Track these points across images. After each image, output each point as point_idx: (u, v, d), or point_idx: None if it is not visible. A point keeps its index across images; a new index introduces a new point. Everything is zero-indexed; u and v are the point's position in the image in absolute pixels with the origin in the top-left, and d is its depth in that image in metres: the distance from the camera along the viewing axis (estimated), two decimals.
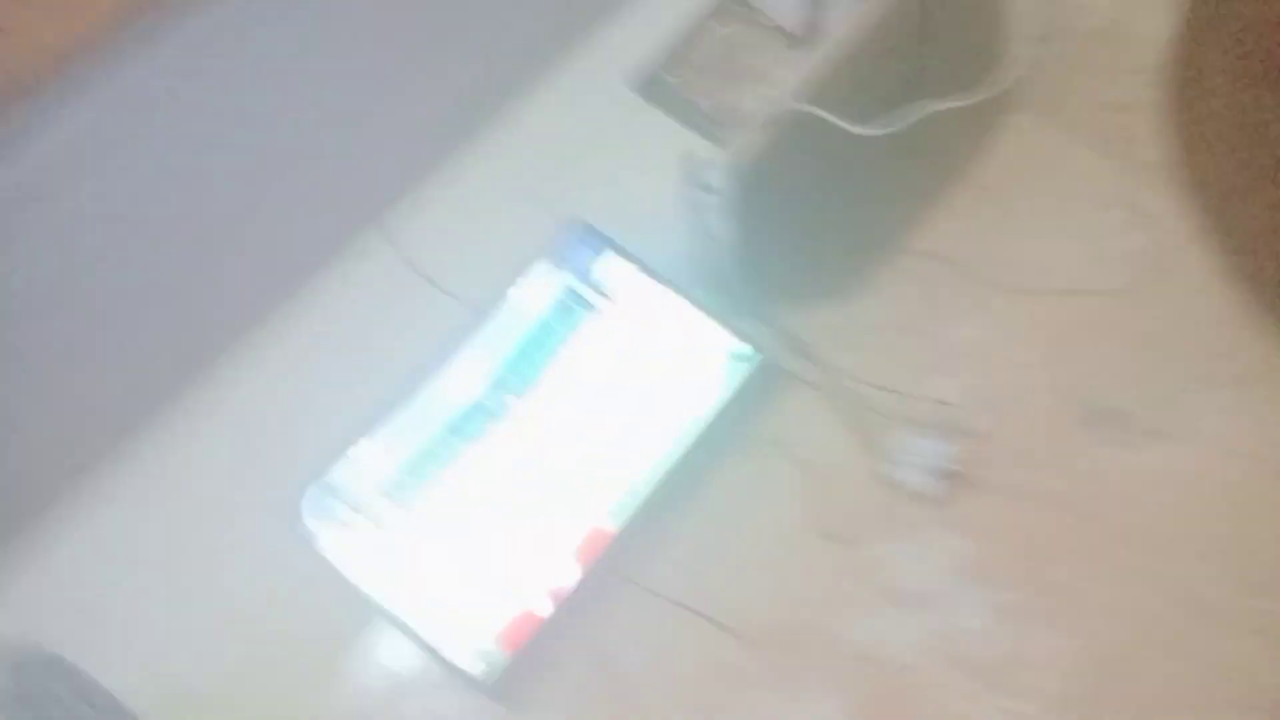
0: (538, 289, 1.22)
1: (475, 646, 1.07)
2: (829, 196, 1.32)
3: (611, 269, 1.22)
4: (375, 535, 1.12)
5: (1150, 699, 1.06)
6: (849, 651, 1.11)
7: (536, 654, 1.11)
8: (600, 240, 1.24)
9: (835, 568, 1.14)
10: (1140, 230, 1.26)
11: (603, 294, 1.22)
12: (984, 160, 1.33)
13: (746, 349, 1.18)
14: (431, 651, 1.07)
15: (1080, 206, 1.29)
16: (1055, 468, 1.16)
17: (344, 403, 1.20)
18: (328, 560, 1.11)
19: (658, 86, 1.37)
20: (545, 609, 1.09)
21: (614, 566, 1.15)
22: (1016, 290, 1.25)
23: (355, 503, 1.14)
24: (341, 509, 1.14)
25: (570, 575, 1.11)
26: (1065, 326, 1.23)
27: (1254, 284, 1.18)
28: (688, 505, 1.19)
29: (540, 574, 1.11)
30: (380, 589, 1.10)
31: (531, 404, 1.18)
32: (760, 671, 1.11)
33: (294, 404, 1.25)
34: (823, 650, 1.11)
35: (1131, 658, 1.07)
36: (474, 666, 1.06)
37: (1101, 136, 1.27)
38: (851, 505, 1.16)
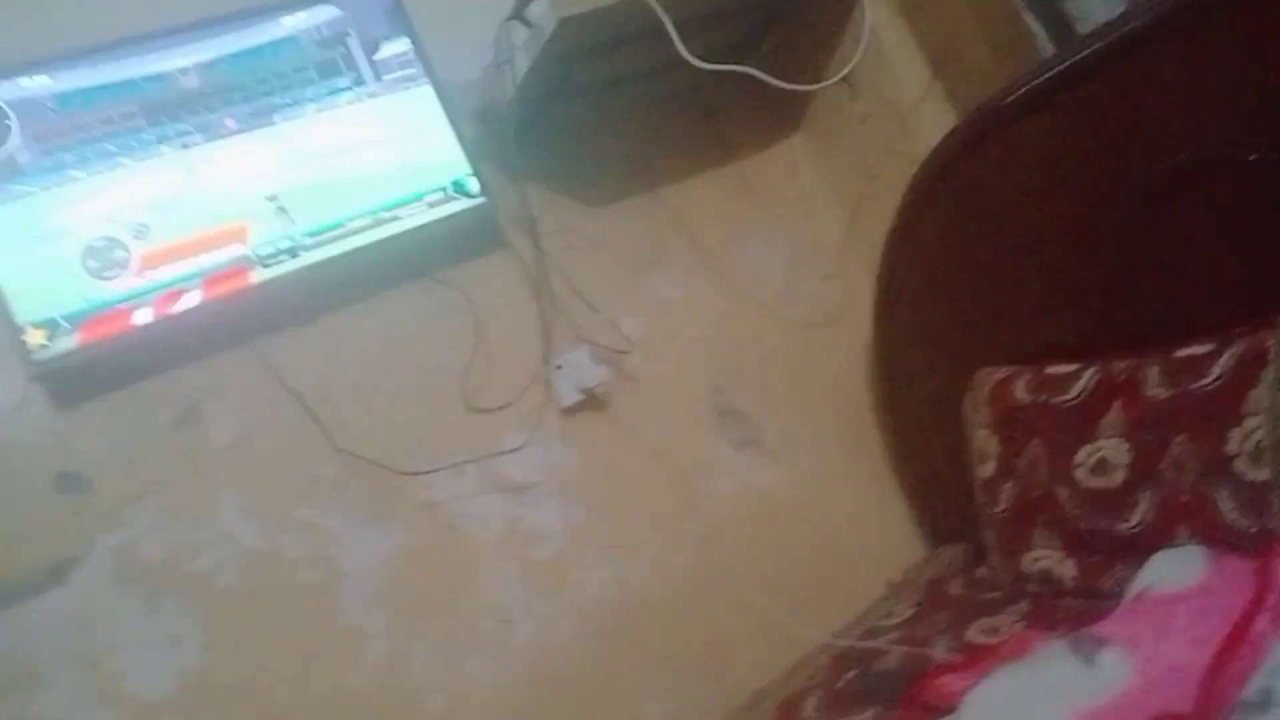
0: (313, 30, 1.13)
1: (50, 322, 0.97)
2: (625, 103, 1.35)
3: (397, 56, 1.16)
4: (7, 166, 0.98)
5: (643, 642, 1.19)
6: (426, 501, 1.15)
7: (117, 365, 1.03)
8: (403, 23, 1.17)
9: (456, 429, 1.18)
10: (836, 286, 1.43)
11: (376, 75, 1.15)
12: (756, 154, 1.44)
13: (476, 191, 1.17)
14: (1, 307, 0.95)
15: (803, 239, 1.44)
16: (671, 433, 1.28)
17: (44, 26, 1.04)
18: None
19: None
20: (145, 318, 1.01)
21: (247, 329, 1.10)
22: (720, 276, 1.37)
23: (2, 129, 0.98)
24: None
25: (190, 299, 1.03)
26: (743, 328, 1.37)
27: (894, 385, 1.34)
28: (352, 310, 1.16)
29: (157, 281, 1.02)
30: None
31: (243, 128, 1.09)
32: (338, 486, 1.12)
33: None
34: (404, 491, 1.14)
35: (648, 608, 1.21)
36: (35, 339, 0.96)
37: (850, 193, 1.42)
38: (497, 381, 1.21)
